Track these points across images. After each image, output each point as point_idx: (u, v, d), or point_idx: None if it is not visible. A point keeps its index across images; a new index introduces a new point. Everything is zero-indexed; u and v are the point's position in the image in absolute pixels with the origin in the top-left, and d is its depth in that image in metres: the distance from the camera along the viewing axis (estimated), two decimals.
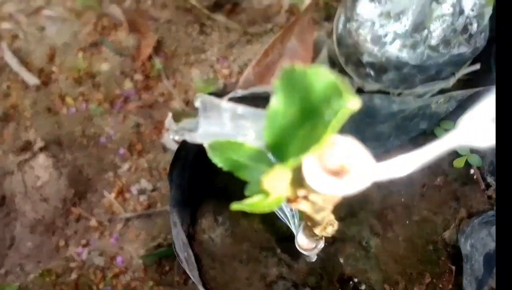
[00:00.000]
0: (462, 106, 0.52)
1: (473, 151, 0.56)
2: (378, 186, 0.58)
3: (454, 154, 0.58)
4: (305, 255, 0.37)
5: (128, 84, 1.15)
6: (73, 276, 0.84)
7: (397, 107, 0.56)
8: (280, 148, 0.16)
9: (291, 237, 0.55)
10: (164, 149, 1.03)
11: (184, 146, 0.46)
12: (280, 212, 0.38)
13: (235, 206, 0.18)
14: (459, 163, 0.55)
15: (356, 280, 0.53)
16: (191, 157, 0.53)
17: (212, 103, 0.20)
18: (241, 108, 0.20)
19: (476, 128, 0.17)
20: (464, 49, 0.92)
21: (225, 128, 0.19)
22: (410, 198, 0.58)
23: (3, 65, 1.15)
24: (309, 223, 0.25)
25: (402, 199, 0.58)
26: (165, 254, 0.86)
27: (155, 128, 1.08)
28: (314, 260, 0.36)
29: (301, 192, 0.19)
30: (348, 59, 1.05)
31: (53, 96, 1.11)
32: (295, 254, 0.55)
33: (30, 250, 0.86)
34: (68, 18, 1.28)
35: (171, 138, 0.21)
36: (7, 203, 0.91)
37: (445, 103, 0.50)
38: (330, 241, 0.56)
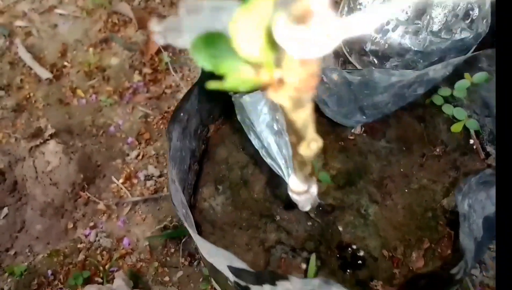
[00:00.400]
0: (458, 70, 0.53)
1: (470, 116, 0.56)
2: (376, 157, 0.59)
3: (453, 122, 0.58)
4: (298, 204, 0.37)
5: (137, 77, 1.18)
6: (81, 257, 0.85)
7: (396, 78, 0.57)
8: None
9: (290, 205, 0.55)
10: None
11: (182, 108, 0.48)
12: (274, 164, 0.39)
13: (213, 84, 0.19)
14: (456, 128, 0.56)
15: (354, 247, 0.54)
16: (194, 125, 0.55)
17: (196, 6, 0.21)
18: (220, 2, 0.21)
19: None
20: (466, 34, 0.93)
21: (206, 23, 0.20)
22: (409, 168, 0.58)
23: (17, 60, 1.19)
24: (294, 141, 0.25)
25: (402, 169, 0.58)
26: (171, 236, 0.87)
27: (163, 118, 1.10)
28: (306, 209, 0.37)
29: (276, 74, 0.19)
30: (351, 49, 1.06)
31: (65, 88, 1.14)
32: (294, 221, 0.55)
33: (40, 232, 0.88)
34: (79, 16, 1.32)
35: (156, 39, 0.22)
36: (18, 189, 0.94)
37: (442, 69, 0.51)
38: (329, 210, 0.56)
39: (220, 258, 0.39)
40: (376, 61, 1.00)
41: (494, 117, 0.55)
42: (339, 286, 0.34)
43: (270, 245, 0.53)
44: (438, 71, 0.50)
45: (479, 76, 0.51)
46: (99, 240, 0.88)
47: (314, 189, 0.36)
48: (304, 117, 0.22)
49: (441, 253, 0.52)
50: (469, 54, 0.49)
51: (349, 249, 0.54)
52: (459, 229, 0.45)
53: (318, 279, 0.34)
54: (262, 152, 0.41)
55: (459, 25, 0.91)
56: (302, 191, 0.34)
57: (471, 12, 0.90)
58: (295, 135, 0.24)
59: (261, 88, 0.20)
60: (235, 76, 0.19)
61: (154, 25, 0.22)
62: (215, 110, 0.58)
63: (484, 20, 0.92)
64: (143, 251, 0.88)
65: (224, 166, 0.58)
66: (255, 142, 0.39)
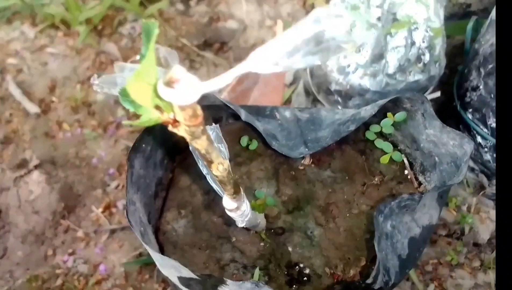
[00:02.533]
0: (382, 110, 0.61)
1: (395, 149, 0.65)
2: (323, 185, 0.67)
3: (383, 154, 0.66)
4: (235, 221, 0.44)
5: (120, 112, 1.26)
6: (58, 282, 0.90)
7: (338, 116, 0.66)
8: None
9: (246, 228, 0.62)
10: None
11: (143, 139, 0.55)
12: (218, 188, 0.46)
13: (126, 122, 0.26)
14: (384, 159, 0.64)
15: (301, 265, 0.60)
16: (159, 156, 0.62)
17: (124, 66, 0.29)
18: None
19: (260, 60, 0.26)
20: (419, 77, 1.04)
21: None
22: (352, 195, 0.66)
23: (7, 95, 1.27)
24: (206, 164, 0.32)
25: (345, 196, 0.66)
26: (145, 262, 0.93)
27: None
28: (242, 225, 0.43)
29: (170, 115, 0.27)
30: (319, 88, 1.17)
31: (51, 122, 1.22)
32: (248, 242, 0.62)
33: (20, 258, 0.93)
34: (69, 54, 1.42)
35: (95, 89, 0.29)
36: (2, 217, 0.99)
37: (370, 109, 0.59)
38: (280, 232, 0.63)
39: (170, 269, 0.45)
40: (340, 100, 1.10)
41: (421, 151, 0.64)
42: (267, 287, 0.40)
43: (224, 263, 0.60)
44: (367, 110, 0.59)
45: (399, 115, 0.60)
46: (76, 266, 0.93)
47: (245, 207, 0.43)
48: (203, 145, 0.29)
49: (375, 270, 0.59)
50: (388, 98, 0.58)
51: (297, 267, 0.60)
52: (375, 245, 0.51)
53: (249, 282, 0.40)
54: (208, 178, 0.48)
55: (412, 68, 1.02)
56: (233, 208, 0.41)
57: (422, 56, 1.01)
58: (205, 160, 0.31)
59: (164, 124, 0.28)
60: (147, 116, 0.27)
61: (94, 79, 0.30)
62: (180, 143, 0.66)
63: (437, 64, 1.03)
64: (118, 277, 0.93)
65: (187, 192, 0.65)
66: (202, 169, 0.46)
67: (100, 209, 1.02)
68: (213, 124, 0.47)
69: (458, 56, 1.28)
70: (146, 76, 0.24)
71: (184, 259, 0.59)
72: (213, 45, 1.56)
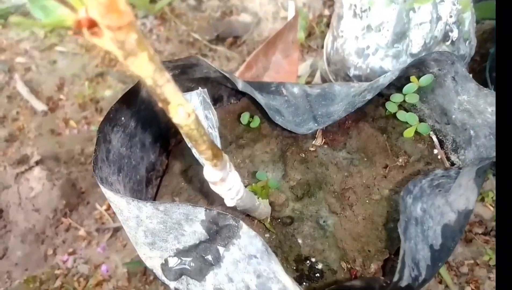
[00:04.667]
0: (406, 74, 0.53)
1: (421, 120, 0.55)
2: (338, 168, 0.58)
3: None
4: (223, 198, 0.36)
5: None
6: (57, 283, 0.84)
7: (354, 90, 0.57)
8: None
9: (247, 217, 0.54)
10: None
11: (119, 110, 0.48)
12: (196, 154, 0.39)
13: (15, 19, 0.20)
14: (408, 133, 0.54)
15: (313, 259, 0.52)
16: (149, 137, 0.55)
17: None
18: None
19: None
20: None
21: None
22: (372, 178, 0.57)
23: (15, 94, 1.24)
24: (162, 107, 0.24)
25: (364, 180, 0.57)
26: None
27: None
28: (232, 205, 0.36)
29: (81, 11, 0.19)
30: (337, 75, 1.08)
31: (58, 120, 1.18)
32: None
33: (20, 258, 0.88)
34: (78, 52, 1.38)
35: None
36: (3, 217, 0.95)
37: (390, 75, 0.51)
38: (288, 222, 0.55)
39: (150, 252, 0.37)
40: None
41: (453, 124, 0.54)
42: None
43: None
44: (387, 77, 0.50)
45: (425, 79, 0.51)
46: (76, 267, 0.87)
47: (232, 179, 0.34)
48: (145, 69, 0.21)
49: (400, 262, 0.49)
50: (415, 59, 0.49)
51: (308, 261, 0.52)
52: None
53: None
54: (193, 151, 0.40)
55: (440, 46, 0.92)
56: (217, 180, 0.33)
57: (450, 33, 0.91)
58: (157, 97, 0.23)
59: (78, 29, 0.21)
60: (52, 14, 0.20)
61: None
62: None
63: (467, 42, 0.93)
64: (121, 278, 0.86)
65: (183, 178, 0.58)
66: (187, 140, 0.39)
67: (104, 207, 0.96)
68: (199, 88, 0.40)
69: (489, 41, 1.17)
70: None
71: None
72: (226, 40, 1.50)
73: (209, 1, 1.58)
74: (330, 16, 1.42)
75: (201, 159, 0.37)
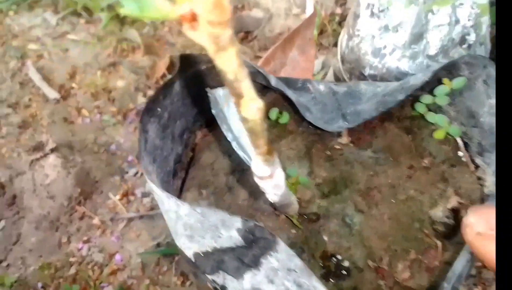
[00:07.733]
0: (436, 76, 0.53)
1: (451, 122, 0.56)
2: (363, 167, 0.58)
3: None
4: (266, 193, 0.36)
5: (141, 99, 1.21)
6: (72, 270, 0.85)
7: (380, 89, 0.58)
8: None
9: (275, 214, 0.55)
10: None
11: (158, 101, 0.48)
12: (245, 156, 0.39)
13: (124, 10, 0.20)
14: (439, 134, 0.55)
15: (339, 257, 0.52)
16: (178, 129, 0.56)
17: None
18: None
19: None
20: None
21: None
22: (397, 178, 0.57)
23: (27, 80, 1.23)
24: (234, 101, 0.25)
25: (389, 180, 0.57)
26: (164, 253, 0.86)
27: None
28: (274, 200, 0.36)
29: (185, 5, 0.20)
30: (351, 74, 1.08)
31: (71, 108, 1.18)
32: (278, 229, 0.54)
33: (34, 245, 0.88)
34: (90, 41, 1.38)
35: None
36: (17, 203, 0.95)
37: (422, 76, 0.51)
38: (314, 218, 0.55)
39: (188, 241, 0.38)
40: None
41: (480, 128, 0.55)
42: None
43: None
44: (418, 78, 0.51)
45: (457, 82, 0.52)
46: (91, 255, 0.88)
47: (279, 175, 0.35)
48: (231, 64, 0.22)
49: (427, 264, 0.50)
50: (444, 63, 0.50)
51: (334, 258, 0.52)
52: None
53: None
54: (234, 144, 0.41)
55: (456, 49, 0.92)
56: (266, 176, 0.34)
57: (467, 36, 0.91)
58: (232, 93, 0.24)
59: (179, 22, 0.21)
60: (154, 8, 0.20)
61: None
62: (201, 116, 0.59)
63: (482, 46, 0.93)
64: (135, 268, 0.87)
65: (209, 172, 0.58)
66: (227, 134, 0.40)
67: (118, 197, 0.97)
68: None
69: None
70: None
71: None
72: (237, 35, 1.50)
73: None
74: (342, 15, 1.42)
75: (247, 157, 0.37)
